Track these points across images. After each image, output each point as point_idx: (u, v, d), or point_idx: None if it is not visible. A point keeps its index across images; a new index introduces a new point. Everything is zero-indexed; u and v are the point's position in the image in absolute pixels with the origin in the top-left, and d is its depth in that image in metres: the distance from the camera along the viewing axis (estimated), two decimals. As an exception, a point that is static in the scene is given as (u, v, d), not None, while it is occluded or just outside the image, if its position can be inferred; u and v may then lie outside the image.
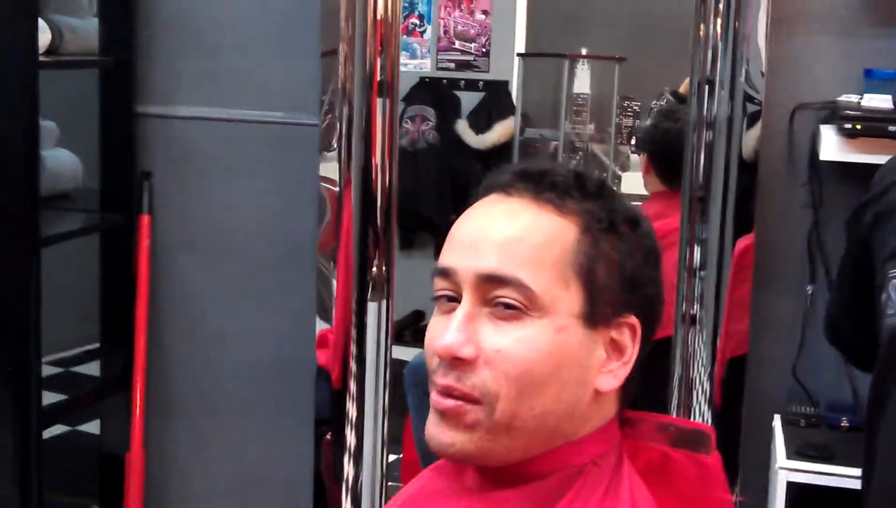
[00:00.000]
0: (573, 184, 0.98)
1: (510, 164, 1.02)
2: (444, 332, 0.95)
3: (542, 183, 0.98)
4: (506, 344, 0.93)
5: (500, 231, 0.96)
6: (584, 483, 0.97)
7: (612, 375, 0.97)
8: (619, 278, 0.96)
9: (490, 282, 0.94)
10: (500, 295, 0.94)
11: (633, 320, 0.97)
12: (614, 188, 1.05)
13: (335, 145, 2.36)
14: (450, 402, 0.95)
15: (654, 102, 2.66)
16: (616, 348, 0.97)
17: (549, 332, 0.93)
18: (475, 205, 1.00)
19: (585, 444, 0.98)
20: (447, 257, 0.98)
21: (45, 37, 2.39)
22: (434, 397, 0.96)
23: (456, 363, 0.94)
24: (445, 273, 0.97)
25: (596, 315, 0.95)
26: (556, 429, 0.96)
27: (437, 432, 0.96)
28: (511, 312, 0.94)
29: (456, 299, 0.97)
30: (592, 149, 2.85)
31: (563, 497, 0.96)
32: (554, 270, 0.94)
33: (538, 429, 0.95)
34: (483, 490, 1.00)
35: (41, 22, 2.37)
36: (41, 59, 2.32)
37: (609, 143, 2.80)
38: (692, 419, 2.26)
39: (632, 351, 0.97)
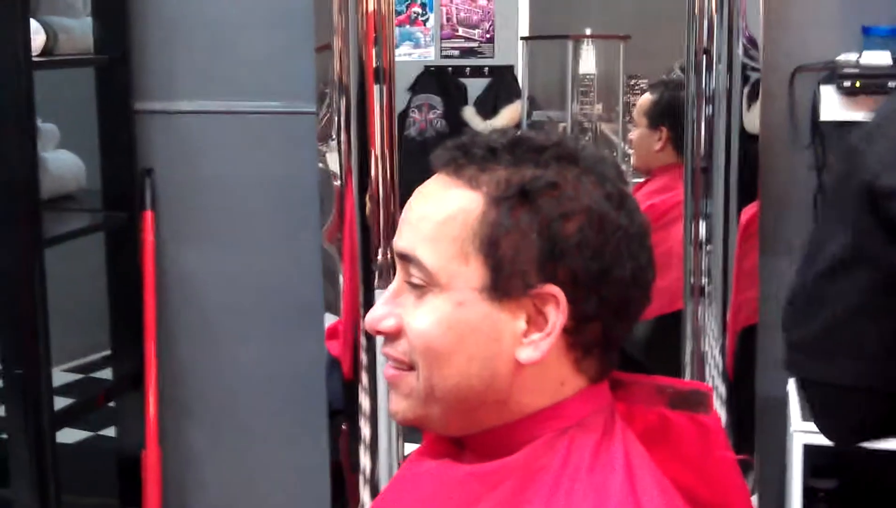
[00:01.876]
0: (501, 151, 0.97)
1: (452, 140, 1.01)
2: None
3: (461, 156, 0.98)
4: (411, 320, 0.97)
5: (414, 210, 1.00)
6: (569, 445, 0.96)
7: (534, 346, 0.95)
8: (535, 248, 0.94)
9: (404, 260, 0.99)
10: (410, 272, 0.98)
11: (554, 289, 0.94)
12: (579, 148, 0.99)
13: (335, 136, 2.36)
14: (390, 371, 1.01)
15: (664, 76, 2.63)
16: (540, 318, 0.95)
17: (447, 307, 0.95)
18: None
19: (559, 410, 0.98)
20: None
21: (39, 38, 2.39)
22: (385, 367, 1.02)
23: (383, 334, 1.00)
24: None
25: (502, 288, 0.94)
26: (484, 401, 0.97)
27: (389, 400, 1.02)
28: (417, 289, 0.97)
29: None
30: (601, 129, 2.83)
31: (551, 461, 0.95)
32: (454, 245, 0.95)
33: (460, 400, 0.97)
34: (471, 462, 1.01)
35: (35, 23, 2.37)
36: (36, 59, 2.33)
37: (617, 121, 2.79)
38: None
39: (554, 322, 0.94)
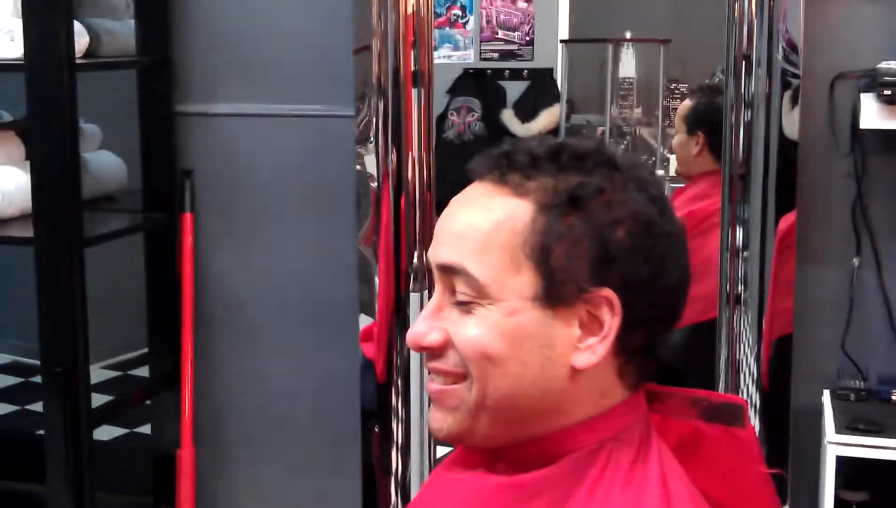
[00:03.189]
0: (544, 159, 0.96)
1: (492, 148, 1.00)
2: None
3: (505, 164, 0.97)
4: (462, 331, 0.96)
5: (457, 221, 0.97)
6: (607, 458, 0.96)
7: (591, 351, 0.95)
8: (586, 253, 0.93)
9: (447, 272, 0.97)
10: (456, 285, 0.96)
11: (608, 292, 0.93)
12: (616, 154, 0.99)
13: (372, 139, 2.37)
14: (435, 385, 0.99)
15: (707, 81, 2.62)
16: (594, 323, 0.95)
17: (498, 316, 0.94)
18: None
19: (598, 422, 0.97)
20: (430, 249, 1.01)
21: (82, 40, 2.42)
22: (426, 382, 1.01)
23: (428, 350, 0.98)
24: (428, 265, 1.00)
25: (555, 295, 0.93)
26: (535, 409, 0.96)
27: (430, 418, 1.00)
28: (465, 301, 0.95)
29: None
30: (640, 133, 2.82)
31: (587, 474, 0.95)
32: (503, 254, 0.94)
33: (512, 409, 0.96)
34: (505, 473, 1.00)
35: (78, 25, 2.40)
36: (79, 61, 2.35)
37: (656, 126, 2.78)
38: (737, 399, 2.23)
39: (610, 325, 0.94)
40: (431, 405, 1.00)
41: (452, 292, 0.97)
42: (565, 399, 0.96)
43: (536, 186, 0.95)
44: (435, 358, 0.98)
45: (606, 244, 0.93)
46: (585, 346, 0.95)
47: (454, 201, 1.00)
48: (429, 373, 1.00)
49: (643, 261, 0.94)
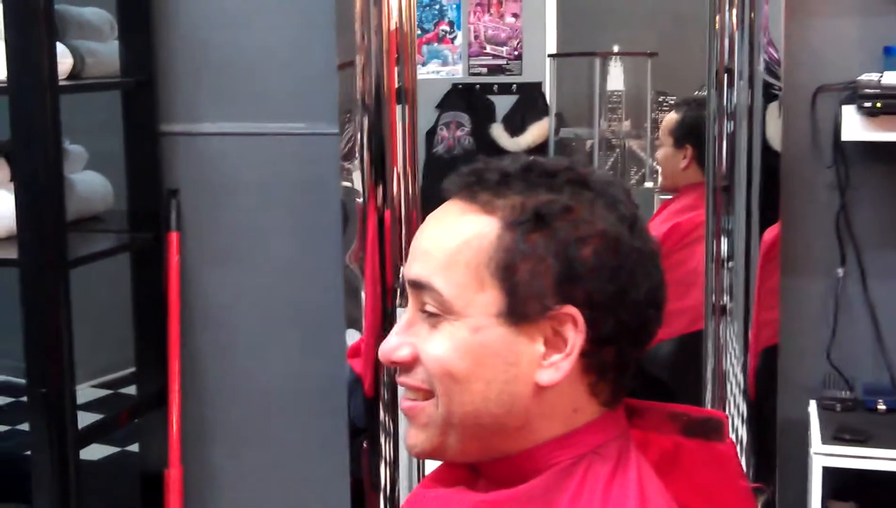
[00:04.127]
0: (514, 177, 0.97)
1: (465, 166, 1.01)
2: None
3: (475, 182, 0.98)
4: (427, 347, 0.97)
5: (427, 238, 0.99)
6: (585, 473, 0.96)
7: (555, 368, 0.95)
8: (551, 271, 0.94)
9: (418, 288, 0.98)
10: (424, 300, 0.97)
11: (572, 310, 0.94)
12: (589, 173, 0.99)
13: (357, 155, 2.37)
14: (407, 402, 1.00)
15: (696, 93, 2.63)
16: (559, 340, 0.95)
17: (463, 333, 0.95)
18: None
19: (574, 438, 0.98)
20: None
21: (66, 62, 2.43)
22: (400, 400, 1.02)
23: (398, 364, 0.99)
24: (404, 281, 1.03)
25: (519, 312, 0.94)
26: (502, 426, 0.97)
27: (406, 435, 1.02)
28: (432, 317, 0.97)
29: None
30: (629, 145, 2.83)
31: (565, 490, 0.95)
32: (468, 271, 0.95)
33: (478, 426, 0.97)
34: (485, 489, 1.01)
35: (62, 48, 2.41)
36: (63, 83, 2.36)
37: (646, 138, 2.78)
38: (727, 411, 2.24)
39: (574, 342, 0.95)
40: (407, 422, 1.01)
41: (423, 307, 0.98)
42: (534, 416, 0.97)
43: (505, 203, 0.96)
44: (405, 373, 0.99)
45: (571, 262, 0.94)
46: (549, 363, 0.95)
47: (428, 218, 1.01)
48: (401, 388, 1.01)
49: (609, 279, 0.95)
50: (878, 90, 2.05)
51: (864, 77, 2.14)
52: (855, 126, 2.10)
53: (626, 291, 0.95)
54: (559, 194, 0.96)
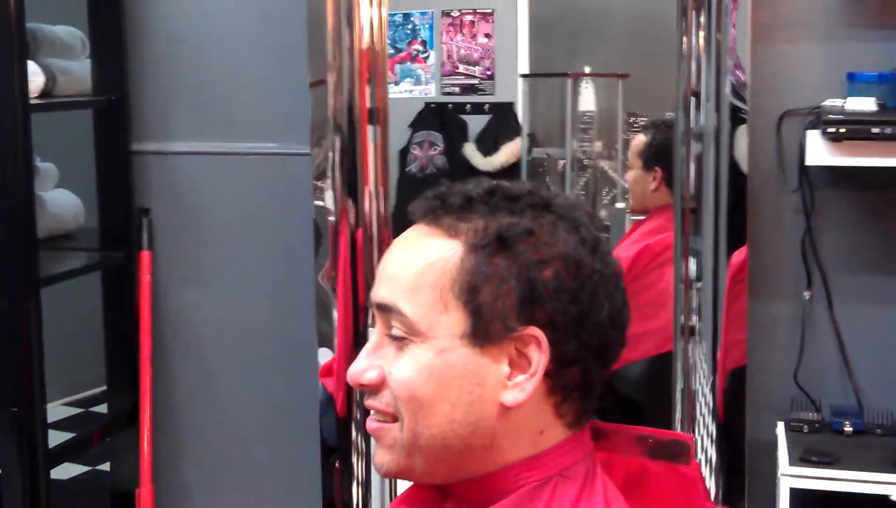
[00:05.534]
0: (477, 201, 0.99)
1: (430, 190, 1.03)
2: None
3: (440, 206, 1.00)
4: (394, 370, 0.98)
5: (392, 261, 1.01)
6: (552, 495, 0.97)
7: (519, 388, 0.96)
8: (513, 292, 0.95)
9: (384, 310, 0.99)
10: (391, 324, 0.99)
11: (536, 331, 0.95)
12: (552, 196, 1.01)
13: (329, 175, 2.38)
14: (373, 424, 1.01)
15: (669, 114, 2.66)
16: (523, 361, 0.97)
17: (429, 355, 0.96)
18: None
19: (540, 459, 0.99)
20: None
21: (38, 80, 2.43)
22: (367, 420, 1.03)
23: (366, 388, 1.00)
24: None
25: (483, 333, 0.96)
26: (468, 447, 0.98)
27: (374, 454, 1.02)
28: (398, 340, 0.98)
29: None
30: (601, 166, 2.85)
31: None
32: (433, 293, 0.96)
33: (444, 448, 0.98)
34: None
35: (34, 66, 2.41)
36: (35, 101, 2.36)
37: (617, 159, 2.80)
38: (695, 432, 2.26)
39: (537, 363, 0.96)
40: (374, 441, 1.02)
41: (390, 331, 0.99)
42: (500, 437, 0.98)
43: (468, 227, 0.98)
44: (372, 396, 1.00)
45: (533, 284, 0.95)
46: (514, 384, 0.97)
47: (394, 242, 1.03)
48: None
49: (570, 300, 0.96)
50: (841, 116, 2.07)
51: (828, 103, 2.18)
52: (819, 151, 2.12)
53: (588, 312, 0.97)
54: (521, 217, 0.98)
